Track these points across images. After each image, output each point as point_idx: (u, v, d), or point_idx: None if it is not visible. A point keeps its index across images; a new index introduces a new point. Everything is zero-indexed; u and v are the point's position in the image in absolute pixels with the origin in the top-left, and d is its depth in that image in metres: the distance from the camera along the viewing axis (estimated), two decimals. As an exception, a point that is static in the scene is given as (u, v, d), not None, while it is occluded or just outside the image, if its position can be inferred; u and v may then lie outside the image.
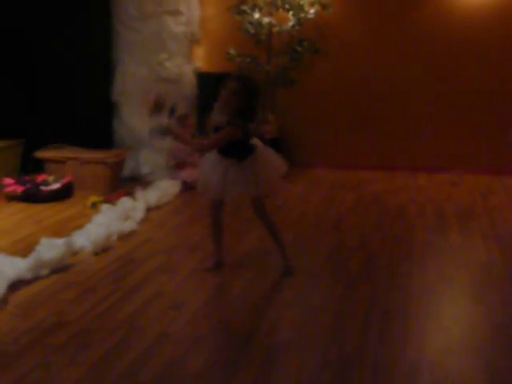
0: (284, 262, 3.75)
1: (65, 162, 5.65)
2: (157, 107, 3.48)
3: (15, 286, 3.45)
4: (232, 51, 6.50)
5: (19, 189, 5.25)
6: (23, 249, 3.99)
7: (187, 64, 6.51)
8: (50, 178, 5.40)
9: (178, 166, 5.92)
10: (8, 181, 5.33)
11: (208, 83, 6.61)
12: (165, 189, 5.45)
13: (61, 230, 4.46)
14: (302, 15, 6.27)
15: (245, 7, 6.35)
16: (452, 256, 4.08)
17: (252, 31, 6.39)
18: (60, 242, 3.86)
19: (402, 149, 6.69)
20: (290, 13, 6.29)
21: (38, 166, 5.73)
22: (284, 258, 3.76)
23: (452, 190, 5.82)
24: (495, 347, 2.84)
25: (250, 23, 6.36)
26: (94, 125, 6.06)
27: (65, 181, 5.41)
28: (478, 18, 6.26)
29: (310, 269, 3.85)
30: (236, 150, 3.51)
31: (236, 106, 3.40)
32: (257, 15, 6.35)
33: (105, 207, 4.78)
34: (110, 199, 5.08)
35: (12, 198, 5.26)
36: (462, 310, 3.32)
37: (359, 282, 3.61)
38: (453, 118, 6.54)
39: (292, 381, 2.59)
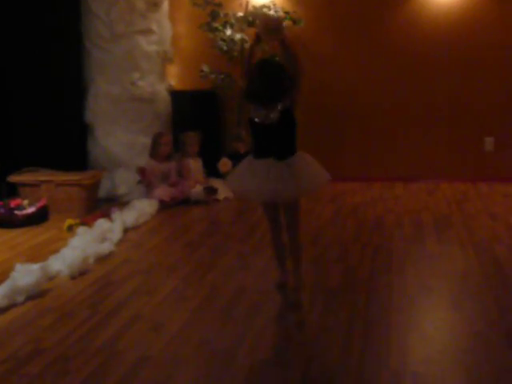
0: (293, 292, 3.57)
1: (39, 186, 5.58)
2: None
3: (-10, 314, 3.39)
4: (205, 68, 6.51)
5: (-7, 214, 5.18)
6: (-2, 276, 3.92)
7: (160, 82, 6.50)
8: (25, 202, 5.33)
9: (145, 179, 5.88)
10: (-19, 206, 5.26)
11: (182, 101, 6.62)
12: (142, 208, 5.41)
13: (36, 254, 4.40)
14: (274, 31, 6.30)
15: (216, 24, 6.38)
16: (431, 265, 4.09)
17: (225, 48, 6.41)
18: (35, 267, 3.80)
19: (377, 159, 6.74)
20: (262, 28, 6.32)
21: (12, 191, 5.66)
22: (297, 285, 3.58)
23: (428, 199, 5.87)
24: (476, 355, 2.84)
25: (223, 40, 6.39)
26: (68, 146, 6.01)
27: (40, 204, 5.35)
28: (455, 28, 6.36)
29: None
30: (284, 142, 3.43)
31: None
32: (229, 32, 6.37)
33: (81, 230, 4.72)
34: (87, 221, 5.02)
35: (-14, 224, 5.18)
36: (443, 319, 3.32)
37: (339, 294, 3.61)
38: (427, 128, 6.61)
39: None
